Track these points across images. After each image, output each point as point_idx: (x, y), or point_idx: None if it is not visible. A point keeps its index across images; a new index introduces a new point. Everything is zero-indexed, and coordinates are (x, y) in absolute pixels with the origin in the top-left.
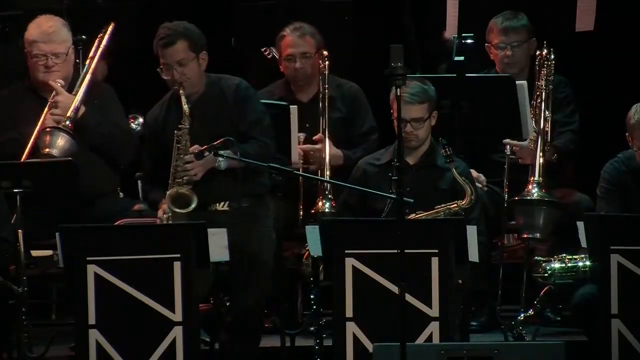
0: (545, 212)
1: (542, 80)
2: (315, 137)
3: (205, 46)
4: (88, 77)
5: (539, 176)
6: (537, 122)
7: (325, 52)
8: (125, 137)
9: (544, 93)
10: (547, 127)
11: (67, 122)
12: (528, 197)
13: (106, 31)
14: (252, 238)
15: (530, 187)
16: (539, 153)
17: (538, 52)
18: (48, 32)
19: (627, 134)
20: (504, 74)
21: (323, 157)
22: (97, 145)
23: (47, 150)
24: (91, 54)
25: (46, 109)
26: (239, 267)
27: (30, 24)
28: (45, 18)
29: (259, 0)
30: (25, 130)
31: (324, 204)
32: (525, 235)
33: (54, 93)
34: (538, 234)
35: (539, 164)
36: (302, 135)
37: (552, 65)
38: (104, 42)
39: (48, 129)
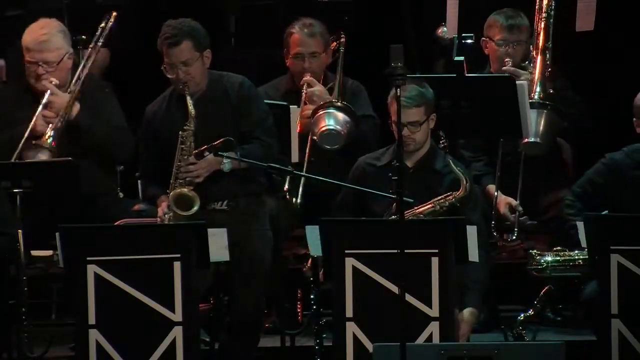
0: (547, 116)
1: (543, 14)
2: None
3: (209, 44)
4: (85, 71)
5: (540, 91)
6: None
7: (342, 39)
8: (121, 135)
9: (543, 23)
10: (548, 54)
11: (50, 140)
12: (530, 101)
13: (108, 21)
14: (250, 237)
15: (533, 93)
16: (538, 65)
17: None
18: (40, 40)
19: (634, 119)
20: (498, 71)
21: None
22: (91, 145)
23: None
24: (91, 45)
25: (39, 108)
26: (237, 266)
27: (27, 29)
28: (40, 24)
29: (259, 0)
30: (18, 134)
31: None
32: (525, 140)
33: (47, 93)
34: (538, 139)
35: (541, 74)
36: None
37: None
38: (105, 31)
39: (33, 142)
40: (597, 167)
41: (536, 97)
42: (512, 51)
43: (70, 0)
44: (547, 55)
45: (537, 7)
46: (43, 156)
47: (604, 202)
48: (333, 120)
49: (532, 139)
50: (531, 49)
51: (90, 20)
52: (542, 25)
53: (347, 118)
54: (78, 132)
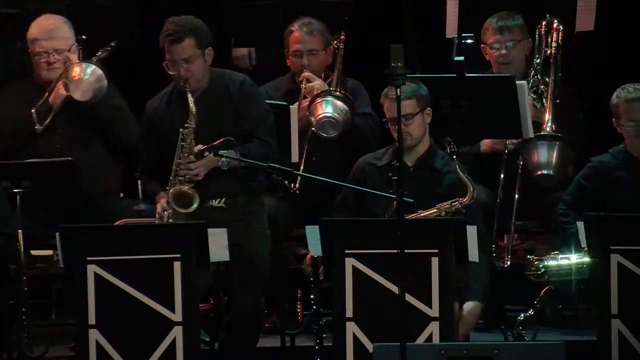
0: (559, 148)
1: (553, 44)
2: None
3: (212, 42)
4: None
5: (552, 123)
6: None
7: (343, 36)
8: (128, 117)
9: (552, 52)
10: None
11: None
12: (543, 133)
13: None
14: (249, 237)
15: (545, 125)
16: (550, 97)
17: (545, 21)
18: (48, 28)
19: (613, 119)
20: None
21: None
22: (106, 116)
23: (77, 77)
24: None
25: (61, 75)
26: (237, 266)
27: (32, 23)
28: (46, 16)
29: (259, 0)
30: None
31: None
32: (539, 172)
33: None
34: (551, 171)
35: (552, 106)
36: None
37: (561, 31)
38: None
39: (77, 62)
40: (584, 171)
41: (548, 129)
42: (505, 52)
43: (70, 0)
44: (558, 86)
45: (542, 32)
46: (97, 69)
47: (595, 205)
48: (331, 108)
49: (545, 172)
50: (541, 72)
51: (90, 20)
52: (552, 57)
53: (344, 106)
54: (94, 103)
